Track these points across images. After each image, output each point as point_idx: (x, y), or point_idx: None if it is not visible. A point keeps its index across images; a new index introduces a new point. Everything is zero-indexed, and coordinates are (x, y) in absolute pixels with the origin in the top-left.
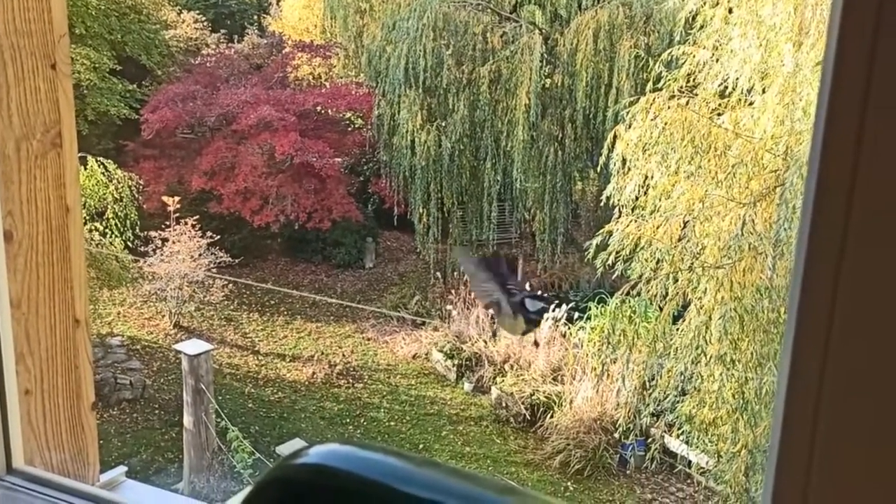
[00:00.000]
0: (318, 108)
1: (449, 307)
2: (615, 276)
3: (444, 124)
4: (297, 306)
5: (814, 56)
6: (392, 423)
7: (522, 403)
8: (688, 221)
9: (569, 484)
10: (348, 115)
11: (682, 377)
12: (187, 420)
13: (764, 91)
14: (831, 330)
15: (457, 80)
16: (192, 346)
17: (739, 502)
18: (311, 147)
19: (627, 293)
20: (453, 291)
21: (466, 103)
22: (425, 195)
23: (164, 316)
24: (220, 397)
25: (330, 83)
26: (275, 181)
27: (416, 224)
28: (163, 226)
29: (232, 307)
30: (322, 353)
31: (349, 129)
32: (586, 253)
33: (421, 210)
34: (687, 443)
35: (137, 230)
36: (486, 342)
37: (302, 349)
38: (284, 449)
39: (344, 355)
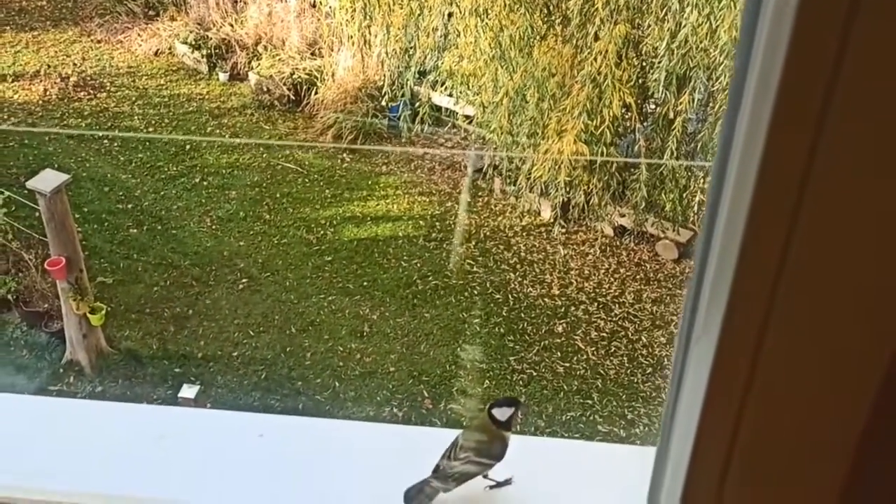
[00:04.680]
0: None
1: None
2: None
3: None
4: (1, 16)
5: None
6: (151, 129)
7: (284, 84)
8: None
9: (345, 155)
10: None
11: (440, 34)
12: None
13: None
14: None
15: None
16: None
17: (504, 144)
18: None
19: None
20: None
21: None
22: None
23: None
24: None
25: None
26: None
27: None
28: None
29: None
30: (48, 66)
31: None
32: None
33: None
34: (451, 96)
35: None
36: (232, 25)
37: (24, 65)
38: (37, 182)
39: (75, 64)
